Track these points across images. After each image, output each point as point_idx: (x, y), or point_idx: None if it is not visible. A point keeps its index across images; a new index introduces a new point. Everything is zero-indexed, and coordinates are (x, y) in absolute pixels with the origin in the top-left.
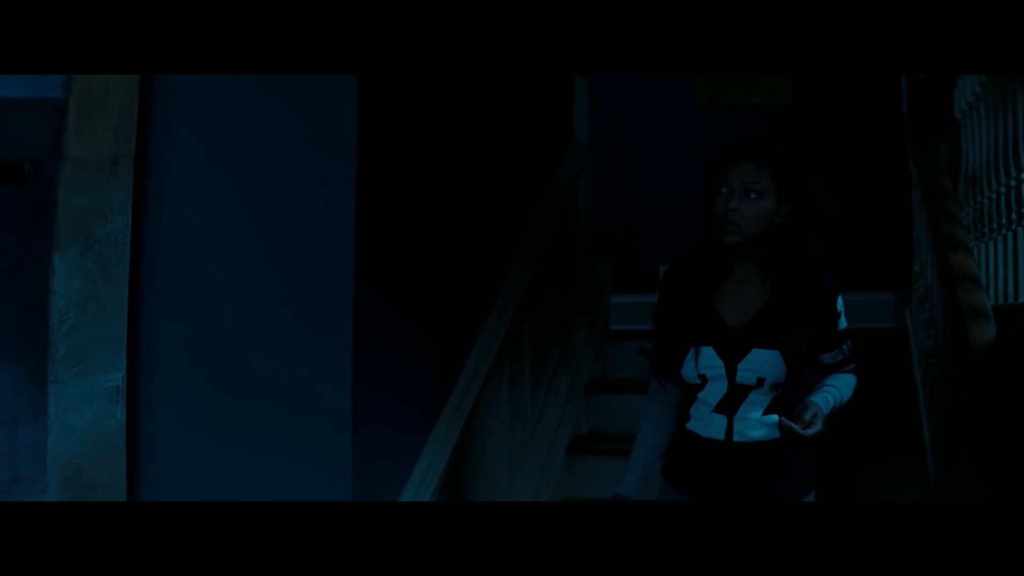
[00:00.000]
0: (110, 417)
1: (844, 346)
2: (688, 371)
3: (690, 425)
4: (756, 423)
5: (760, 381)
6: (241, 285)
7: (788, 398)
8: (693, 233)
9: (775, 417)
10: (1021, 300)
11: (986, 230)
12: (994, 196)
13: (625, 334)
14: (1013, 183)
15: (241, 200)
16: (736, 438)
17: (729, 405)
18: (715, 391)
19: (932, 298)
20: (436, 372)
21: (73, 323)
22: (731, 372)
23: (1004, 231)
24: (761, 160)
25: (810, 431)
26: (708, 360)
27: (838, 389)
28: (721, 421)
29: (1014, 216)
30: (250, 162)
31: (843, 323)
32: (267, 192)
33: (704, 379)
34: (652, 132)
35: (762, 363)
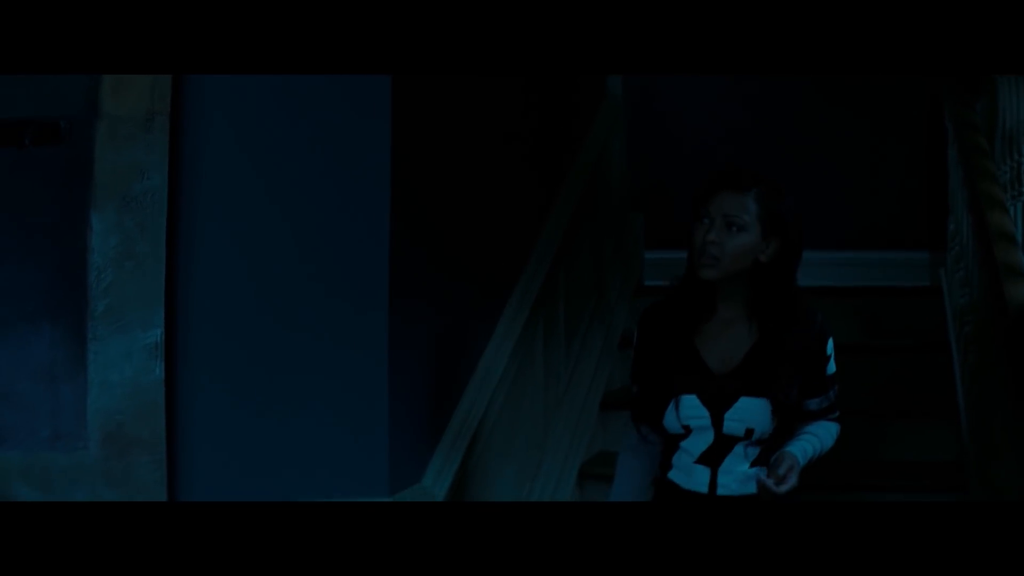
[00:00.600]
0: (149, 373)
1: (831, 392)
2: (670, 421)
3: (671, 475)
4: (743, 476)
5: (749, 432)
6: (278, 239)
7: (775, 449)
8: None
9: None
10: None
11: (1023, 188)
12: None
13: (659, 289)
14: None
15: (277, 156)
16: (721, 491)
17: (714, 456)
18: (699, 442)
19: (967, 256)
20: (472, 327)
21: (111, 280)
22: (717, 422)
23: None
24: (745, 192)
25: (783, 487)
26: (692, 409)
27: (819, 439)
28: (704, 473)
29: None
30: (285, 117)
31: (832, 367)
32: (302, 147)
33: (688, 429)
34: (686, 85)
35: (750, 412)
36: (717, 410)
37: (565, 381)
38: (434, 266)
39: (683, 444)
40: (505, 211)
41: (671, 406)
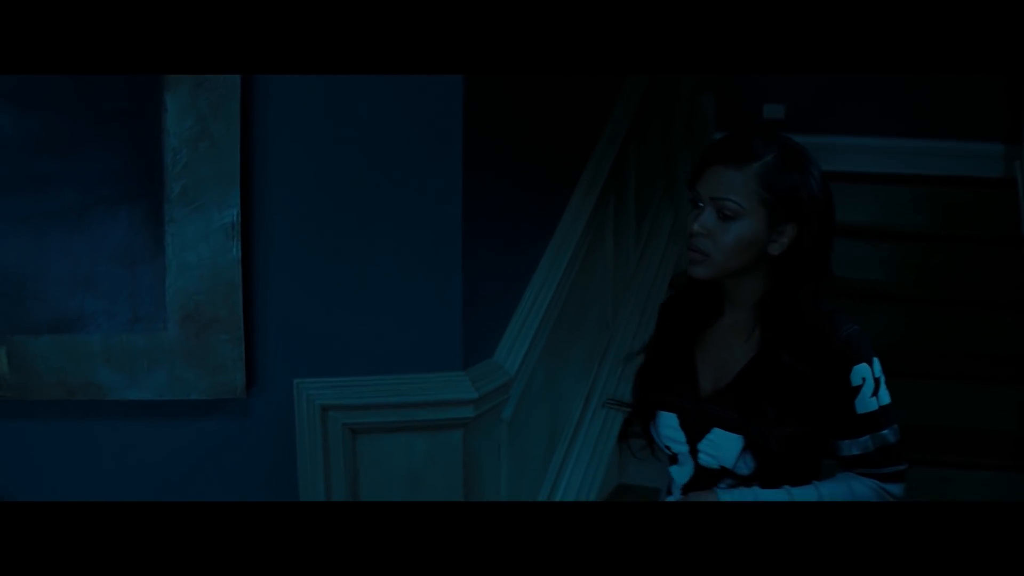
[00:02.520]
0: (226, 253)
1: (868, 439)
2: (655, 438)
3: (667, 499)
4: None
5: (724, 470)
6: (351, 115)
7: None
8: None
9: None
10: None
11: None
12: None
13: None
14: None
15: None
16: None
17: (697, 491)
18: (682, 471)
19: None
20: (545, 201)
21: (186, 161)
22: (694, 451)
23: None
24: (741, 166)
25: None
26: (669, 431)
27: (819, 494)
28: None
29: None
30: None
31: (867, 404)
32: None
33: (672, 453)
34: None
35: (722, 448)
36: (693, 437)
37: (634, 262)
38: (508, 139)
39: (670, 470)
40: (576, 87)
41: (652, 423)
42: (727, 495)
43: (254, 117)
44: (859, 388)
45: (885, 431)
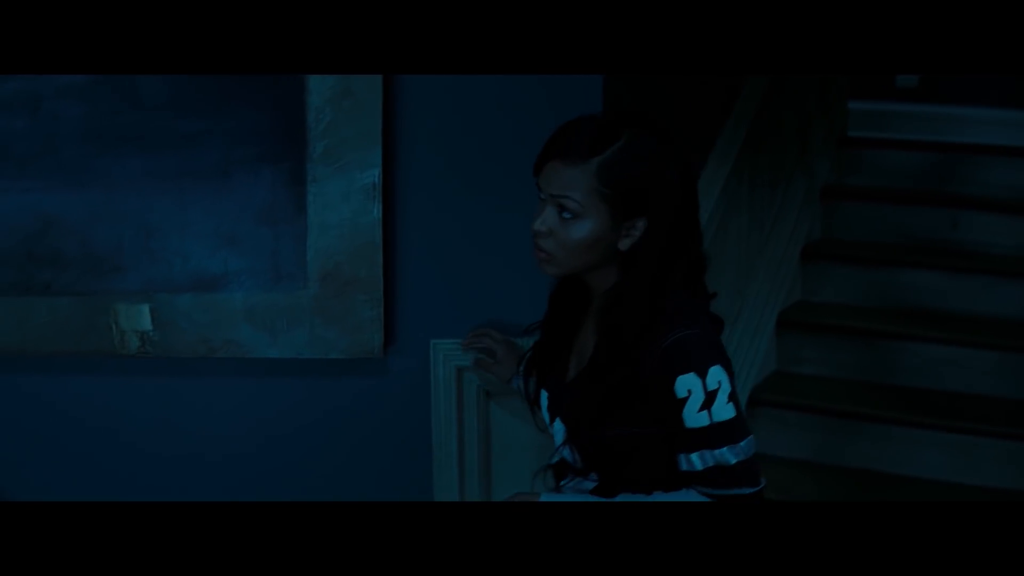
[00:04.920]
0: (367, 214)
1: (699, 456)
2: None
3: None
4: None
5: (564, 461)
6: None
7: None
8: None
9: None
10: None
11: None
12: None
13: (862, 141)
14: None
15: None
16: None
17: (559, 475)
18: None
19: None
20: None
21: (329, 121)
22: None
23: None
24: (580, 161)
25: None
26: (544, 411)
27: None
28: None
29: None
30: None
31: (699, 419)
32: None
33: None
34: None
35: (557, 437)
36: (551, 421)
37: (768, 228)
38: (645, 104)
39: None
40: None
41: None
42: (551, 496)
43: (396, 77)
44: (685, 400)
45: (722, 450)
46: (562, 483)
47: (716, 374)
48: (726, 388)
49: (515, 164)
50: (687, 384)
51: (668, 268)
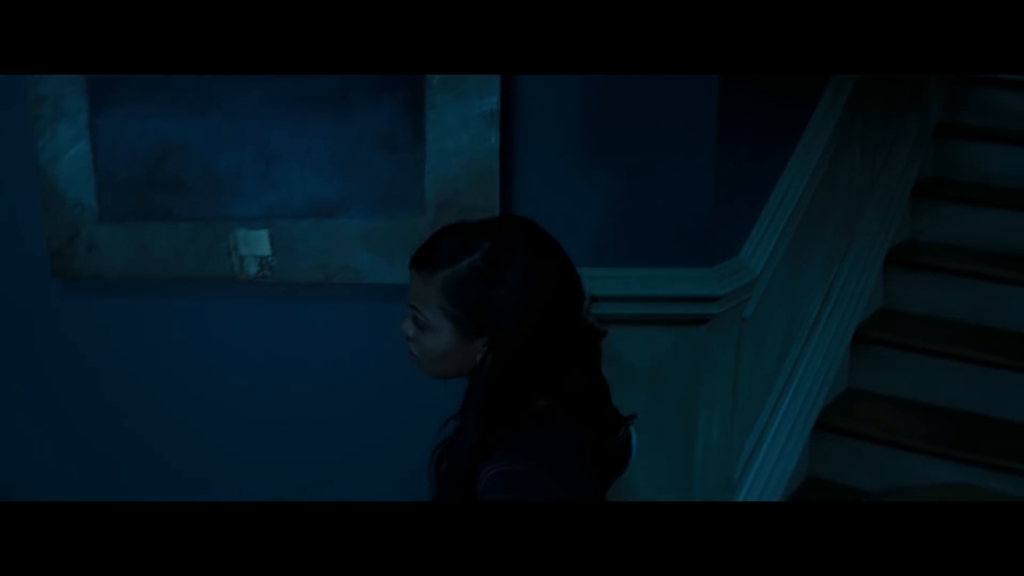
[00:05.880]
0: (484, 141)
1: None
2: None
3: None
4: None
5: None
6: None
7: None
8: None
9: None
10: None
11: None
12: None
13: (978, 80)
14: None
15: None
16: None
17: None
18: None
19: None
20: (793, 105)
21: None
22: None
23: None
24: (427, 275)
25: None
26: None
27: None
28: None
29: None
30: None
31: None
32: None
33: None
34: None
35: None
36: None
37: (879, 164)
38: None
39: None
40: None
41: None
42: None
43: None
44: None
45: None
46: None
47: None
48: None
49: (633, 99)
50: None
51: (512, 391)
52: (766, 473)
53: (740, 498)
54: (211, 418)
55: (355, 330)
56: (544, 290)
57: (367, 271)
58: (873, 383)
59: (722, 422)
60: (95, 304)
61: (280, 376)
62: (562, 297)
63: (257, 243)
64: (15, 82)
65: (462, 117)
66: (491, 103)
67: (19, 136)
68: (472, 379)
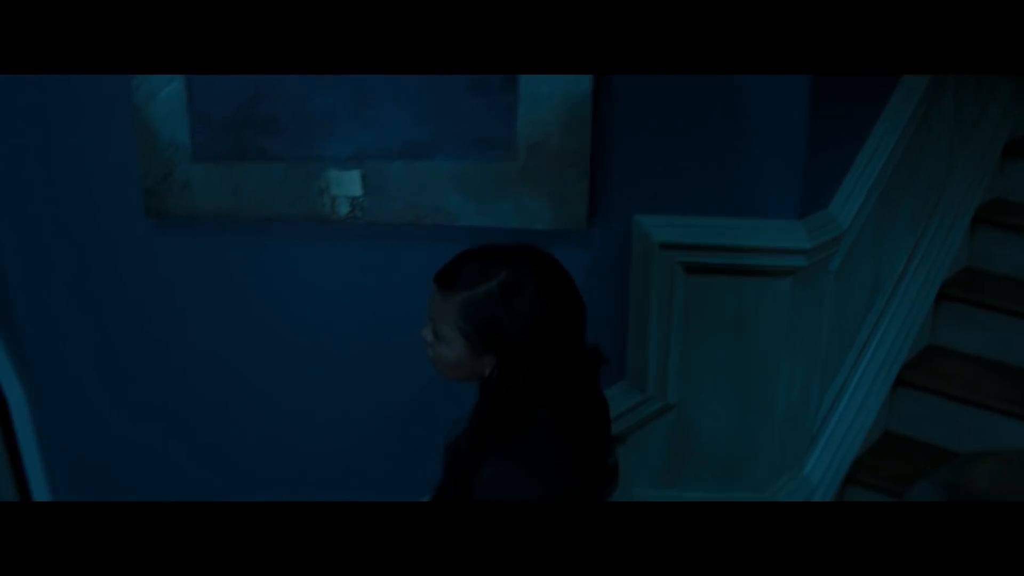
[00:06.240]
0: (578, 86)
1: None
2: None
3: None
4: None
5: None
6: None
7: None
8: None
9: None
10: None
11: None
12: None
13: None
14: None
15: None
16: None
17: None
18: None
19: None
20: None
21: None
22: None
23: None
24: (448, 294)
25: None
26: None
27: None
28: None
29: None
30: None
31: None
32: None
33: None
34: None
35: None
36: None
37: (971, 122)
38: None
39: None
40: None
41: None
42: None
43: None
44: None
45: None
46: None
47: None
48: None
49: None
50: None
51: (514, 404)
52: (844, 426)
53: (818, 449)
54: (300, 356)
55: None
56: (548, 319)
57: (458, 213)
58: (955, 341)
59: (804, 374)
60: (187, 242)
61: (368, 316)
62: (564, 326)
63: (349, 183)
64: None
65: None
66: None
67: (115, 75)
68: (481, 388)
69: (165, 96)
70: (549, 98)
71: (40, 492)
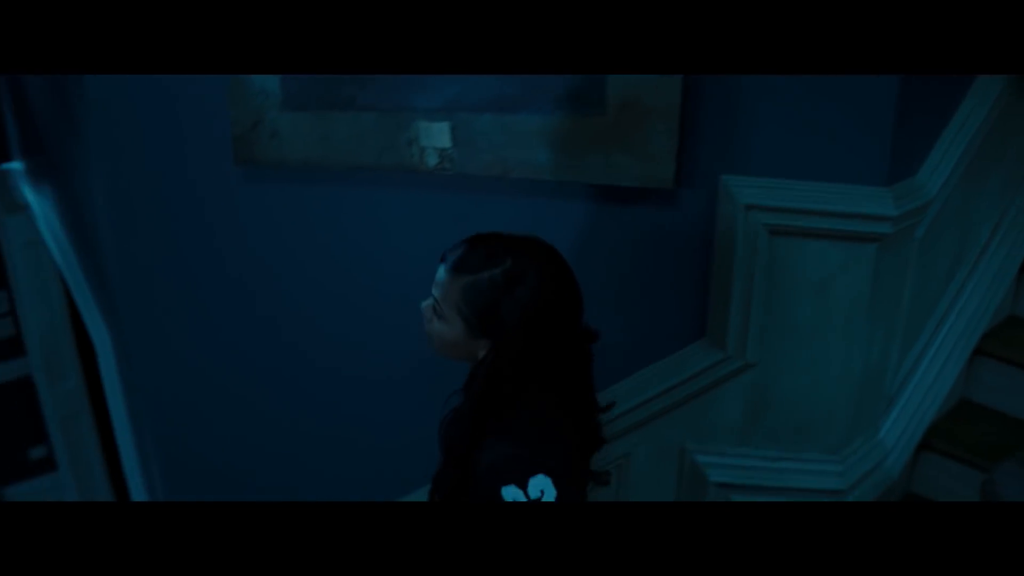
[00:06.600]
0: None
1: None
2: None
3: None
4: None
5: None
6: None
7: None
8: None
9: None
10: None
11: None
12: None
13: None
14: None
15: None
16: None
17: None
18: None
19: None
20: None
21: None
22: None
23: None
24: (454, 273)
25: None
26: None
27: None
28: None
29: None
30: None
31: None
32: None
33: None
34: None
35: None
36: None
37: None
38: None
39: None
40: None
41: None
42: None
43: None
44: (515, 502)
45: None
46: None
47: (539, 483)
48: (550, 494)
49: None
50: (511, 494)
51: (506, 387)
52: (922, 392)
53: (895, 413)
54: (381, 304)
55: (532, 225)
56: (545, 309)
57: (545, 167)
58: None
59: (884, 339)
60: (274, 190)
61: None
62: (560, 316)
63: (438, 135)
64: None
65: None
66: None
67: None
68: (473, 368)
69: None
70: None
71: (123, 432)
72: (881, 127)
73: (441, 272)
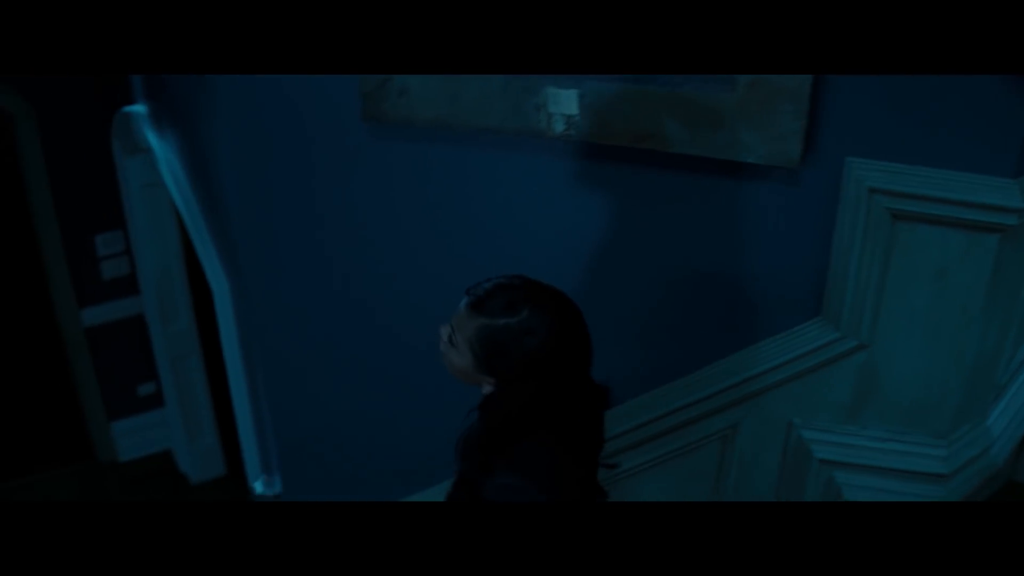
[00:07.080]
0: None
1: None
2: None
3: None
4: None
5: None
6: None
7: None
8: None
9: None
10: None
11: None
12: None
13: None
14: None
15: None
16: None
17: None
18: None
19: None
20: None
21: None
22: None
23: None
24: (474, 312)
25: None
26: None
27: None
28: None
29: None
30: None
31: None
32: None
33: None
34: None
35: None
36: None
37: None
38: None
39: None
40: None
41: None
42: None
43: None
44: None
45: None
46: None
47: None
48: None
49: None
50: None
51: (508, 425)
52: None
53: (1004, 402)
54: (499, 265)
55: (653, 197)
56: (551, 361)
57: (672, 140)
58: None
59: (999, 329)
60: (401, 148)
61: (572, 236)
62: (567, 367)
63: (567, 101)
64: None
65: None
66: None
67: None
68: (481, 403)
69: None
70: None
71: (236, 376)
72: (1011, 118)
73: (462, 306)
